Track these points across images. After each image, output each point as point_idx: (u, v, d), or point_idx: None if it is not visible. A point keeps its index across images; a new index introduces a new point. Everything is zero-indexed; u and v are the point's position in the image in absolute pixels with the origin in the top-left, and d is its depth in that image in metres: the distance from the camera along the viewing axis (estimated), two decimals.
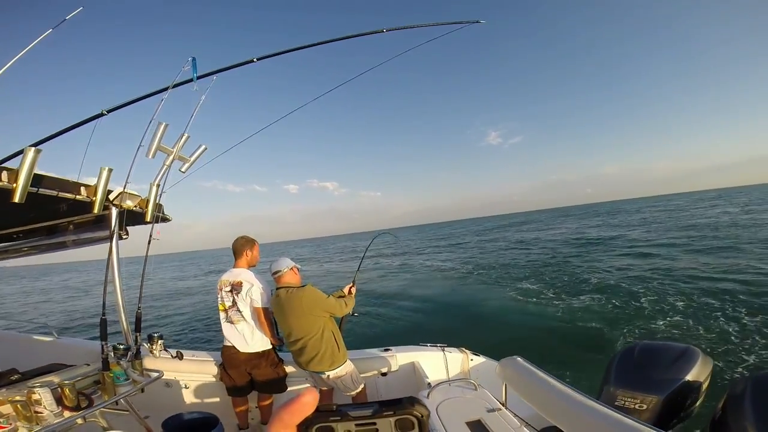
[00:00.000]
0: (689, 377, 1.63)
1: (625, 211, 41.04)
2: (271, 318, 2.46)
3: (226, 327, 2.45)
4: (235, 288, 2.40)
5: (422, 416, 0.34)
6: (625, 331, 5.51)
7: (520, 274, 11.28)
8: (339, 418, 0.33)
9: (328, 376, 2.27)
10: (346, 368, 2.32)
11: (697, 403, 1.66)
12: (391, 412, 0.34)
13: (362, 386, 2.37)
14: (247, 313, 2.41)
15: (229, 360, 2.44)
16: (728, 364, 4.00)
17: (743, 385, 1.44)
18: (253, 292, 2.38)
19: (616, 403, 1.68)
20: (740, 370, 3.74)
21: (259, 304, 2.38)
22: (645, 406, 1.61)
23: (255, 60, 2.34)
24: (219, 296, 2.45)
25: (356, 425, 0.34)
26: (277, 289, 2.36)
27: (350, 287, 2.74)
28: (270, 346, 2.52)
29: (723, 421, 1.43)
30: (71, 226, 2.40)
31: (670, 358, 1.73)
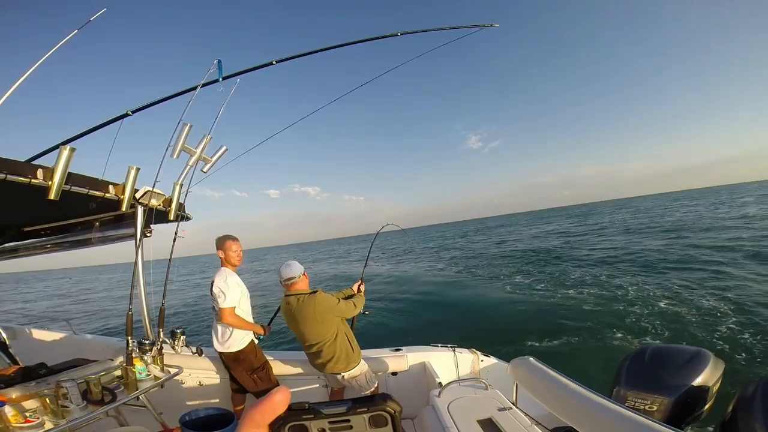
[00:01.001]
0: (700, 379, 1.63)
1: (599, 213, 43.98)
2: (237, 317, 2.38)
3: (213, 328, 2.46)
4: (212, 290, 2.37)
5: (395, 412, 0.34)
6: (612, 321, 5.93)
7: (509, 270, 12.08)
8: (312, 416, 0.35)
9: (343, 376, 2.29)
10: (361, 368, 2.35)
11: (708, 405, 1.65)
12: (365, 409, 0.34)
13: (376, 385, 2.40)
14: (218, 313, 2.37)
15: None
16: (740, 366, 3.96)
17: (754, 387, 1.44)
18: (216, 293, 2.32)
19: (627, 404, 1.67)
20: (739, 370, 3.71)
21: (221, 305, 2.29)
22: (655, 408, 1.61)
23: (274, 62, 2.41)
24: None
25: (330, 423, 0.35)
26: (287, 296, 2.32)
27: (359, 284, 2.76)
28: (244, 346, 2.43)
29: (733, 423, 1.43)
30: (97, 224, 2.47)
31: (681, 361, 1.73)
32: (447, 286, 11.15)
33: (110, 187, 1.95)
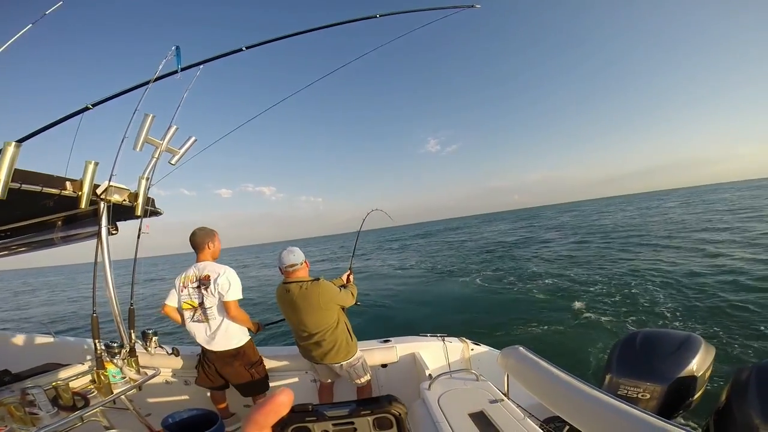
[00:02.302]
0: (692, 365, 1.63)
1: (546, 217, 48.76)
2: (242, 311, 2.35)
3: (193, 326, 2.32)
4: (203, 282, 2.26)
5: (400, 414, 0.34)
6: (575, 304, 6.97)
7: (470, 267, 13.41)
8: (315, 418, 0.35)
9: (342, 365, 2.28)
10: (358, 357, 2.35)
11: (701, 392, 1.66)
12: (369, 411, 0.34)
13: (370, 374, 2.40)
14: (215, 309, 2.28)
15: (203, 359, 2.39)
16: (729, 352, 4.19)
17: (747, 373, 1.44)
18: (222, 284, 2.23)
19: (619, 393, 1.69)
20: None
21: (229, 297, 2.24)
22: (648, 395, 1.62)
23: (244, 48, 2.28)
24: (184, 293, 2.30)
25: (333, 425, 0.36)
26: (287, 283, 2.27)
27: (348, 275, 2.75)
28: (245, 341, 2.41)
29: (728, 410, 1.44)
30: (59, 223, 2.36)
31: (672, 347, 1.73)
32: (421, 280, 12.21)
33: (67, 183, 1.85)
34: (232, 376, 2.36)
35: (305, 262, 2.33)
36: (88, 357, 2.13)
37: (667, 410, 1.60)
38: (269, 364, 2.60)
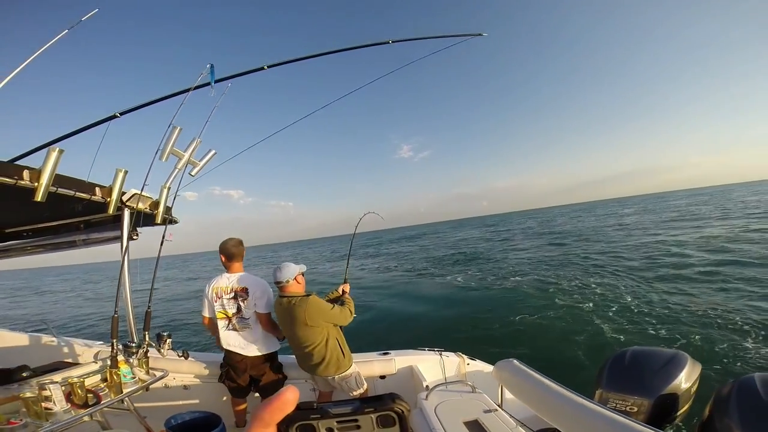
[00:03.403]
0: (678, 381, 1.72)
1: (511, 222, 52.54)
2: (274, 323, 2.54)
3: (228, 334, 2.46)
4: (240, 295, 2.41)
5: (403, 411, 0.35)
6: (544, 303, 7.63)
7: (446, 270, 14.10)
8: (319, 416, 0.33)
9: (334, 378, 2.36)
10: (352, 370, 2.42)
11: (686, 406, 1.74)
12: (372, 409, 0.33)
13: (365, 387, 2.47)
14: (253, 319, 2.45)
15: (234, 365, 2.50)
16: (715, 368, 4.33)
17: (729, 388, 1.52)
18: (259, 298, 2.40)
19: (608, 406, 1.71)
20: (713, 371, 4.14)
21: (264, 310, 2.43)
22: (636, 409, 1.69)
23: (266, 67, 2.48)
24: (218, 304, 2.44)
25: (338, 422, 0.33)
26: (281, 297, 2.38)
27: (344, 286, 2.76)
28: (277, 348, 2.60)
29: (710, 423, 1.51)
30: (82, 226, 2.50)
31: (659, 363, 1.82)
32: (402, 283, 12.60)
33: (97, 189, 1.99)
34: (264, 379, 2.50)
35: (298, 277, 2.38)
36: (99, 356, 2.22)
37: (654, 423, 1.64)
38: None
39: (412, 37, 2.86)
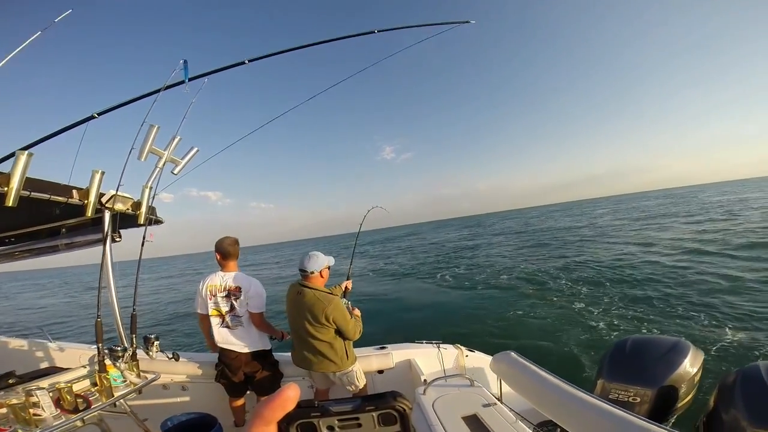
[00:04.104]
0: (680, 369, 1.68)
1: (491, 223, 54.82)
2: (266, 320, 2.56)
3: (222, 332, 2.50)
4: (233, 293, 2.44)
5: (405, 410, 0.35)
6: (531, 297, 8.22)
7: (435, 268, 14.65)
8: (320, 414, 0.33)
9: (335, 373, 2.36)
10: (353, 367, 2.43)
11: (690, 396, 1.71)
12: (374, 407, 0.33)
13: (365, 382, 2.49)
14: (246, 318, 2.47)
15: (228, 363, 2.52)
16: (716, 355, 4.44)
17: (733, 377, 1.50)
18: (251, 297, 2.43)
19: (611, 397, 1.73)
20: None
21: (257, 310, 2.45)
22: (639, 399, 1.66)
23: (246, 62, 2.42)
24: (212, 301, 2.47)
25: (338, 420, 0.33)
26: (302, 285, 2.34)
27: (346, 283, 2.78)
28: (270, 346, 2.62)
29: (716, 414, 1.49)
30: (64, 230, 2.48)
31: (661, 351, 1.78)
32: (391, 281, 13.13)
33: (74, 191, 1.97)
34: (258, 376, 2.53)
35: (323, 271, 2.35)
36: (89, 360, 2.22)
37: (658, 414, 1.65)
38: None
39: (398, 26, 2.80)
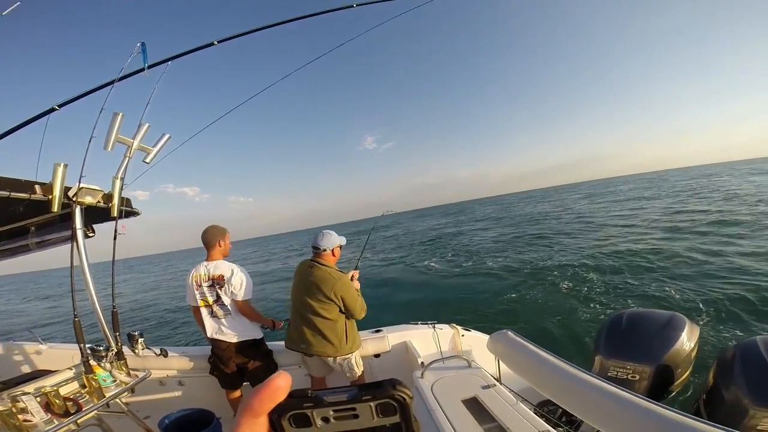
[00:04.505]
0: (678, 345, 1.65)
1: (469, 210, 55.35)
2: (254, 308, 2.52)
3: (211, 322, 2.48)
4: (217, 282, 2.41)
5: (405, 399, 0.33)
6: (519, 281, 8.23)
7: (418, 257, 14.68)
8: (313, 404, 0.32)
9: (335, 358, 2.34)
10: (352, 352, 2.39)
11: (688, 371, 1.69)
12: (371, 396, 0.33)
13: (362, 370, 2.47)
14: (233, 306, 2.44)
15: (219, 354, 2.51)
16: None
17: (732, 353, 1.49)
18: (235, 285, 2.38)
19: (609, 374, 1.72)
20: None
21: (241, 297, 2.41)
22: (637, 376, 1.65)
23: (216, 43, 2.25)
24: (198, 292, 2.45)
25: (334, 411, 0.33)
26: (315, 261, 2.37)
27: (353, 272, 2.73)
28: (261, 335, 2.59)
29: (716, 391, 1.47)
30: (33, 228, 2.36)
31: (657, 326, 1.76)
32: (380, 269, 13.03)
33: (36, 187, 1.86)
34: (251, 366, 2.52)
35: (335, 249, 2.41)
36: (76, 362, 2.18)
37: (657, 391, 1.63)
38: None
39: None
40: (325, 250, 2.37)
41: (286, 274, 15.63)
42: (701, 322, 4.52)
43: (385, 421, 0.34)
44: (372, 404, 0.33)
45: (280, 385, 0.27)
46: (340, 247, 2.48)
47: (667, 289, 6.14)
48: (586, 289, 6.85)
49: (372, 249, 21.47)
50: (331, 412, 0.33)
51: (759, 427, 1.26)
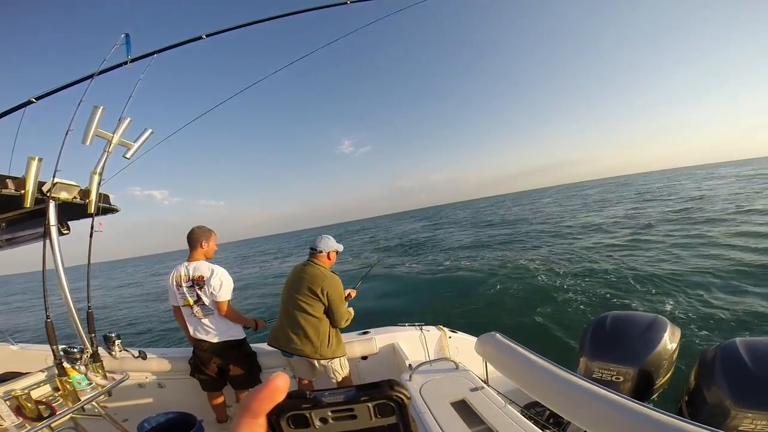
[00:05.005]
0: (660, 347, 1.71)
1: (445, 215, 56.02)
2: (235, 308, 2.52)
3: (192, 322, 2.47)
4: (197, 282, 2.40)
5: (402, 399, 0.34)
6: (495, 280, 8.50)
7: (398, 260, 15.03)
8: (312, 405, 0.33)
9: (319, 361, 2.37)
10: (336, 356, 2.41)
11: (670, 373, 1.76)
12: (368, 397, 0.33)
13: (347, 373, 2.48)
14: (214, 306, 2.43)
15: (200, 354, 2.49)
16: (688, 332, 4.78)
17: (713, 354, 1.54)
18: (214, 285, 2.37)
19: (594, 376, 1.76)
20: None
21: (221, 298, 2.40)
22: (621, 378, 1.69)
23: (204, 37, 2.22)
24: (178, 292, 2.44)
25: (332, 412, 0.33)
26: (310, 261, 2.47)
27: (351, 290, 2.75)
28: (243, 335, 2.58)
29: (698, 392, 1.52)
30: (3, 224, 2.27)
31: (640, 329, 1.81)
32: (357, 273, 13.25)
33: (8, 181, 1.79)
34: (232, 369, 2.51)
35: (331, 253, 2.51)
36: (49, 364, 2.12)
37: (640, 392, 1.69)
38: None
39: None
40: (321, 252, 2.47)
41: (259, 280, 15.90)
42: (681, 323, 4.74)
43: (383, 421, 0.34)
44: (370, 405, 0.34)
45: (279, 386, 0.27)
46: (337, 252, 2.56)
47: (631, 281, 6.76)
48: (559, 281, 7.39)
49: (350, 251, 21.82)
50: (329, 413, 0.33)
51: (741, 428, 1.30)
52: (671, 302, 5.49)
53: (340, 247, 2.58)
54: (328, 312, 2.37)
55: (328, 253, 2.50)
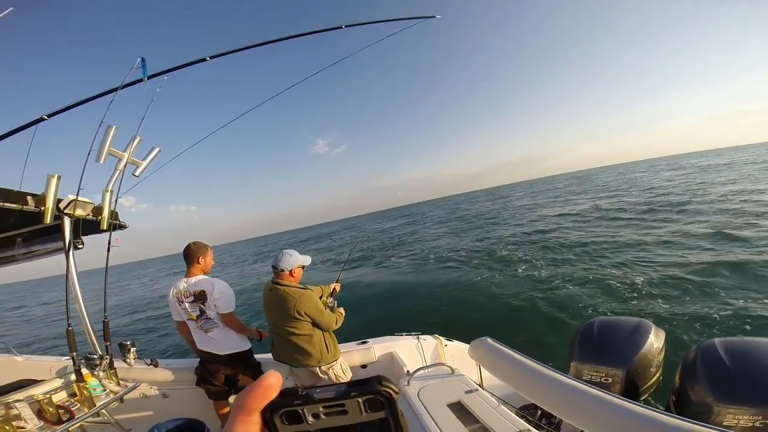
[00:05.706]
0: (645, 348, 1.83)
1: (424, 211, 58.60)
2: (239, 319, 2.61)
3: (198, 335, 2.56)
4: (199, 297, 2.47)
5: (391, 394, 0.35)
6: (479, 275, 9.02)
7: (381, 259, 15.27)
8: (303, 401, 0.34)
9: (320, 368, 2.46)
10: (336, 359, 2.52)
11: (657, 374, 1.88)
12: (358, 393, 0.35)
13: (350, 377, 2.59)
14: (218, 319, 2.52)
15: (208, 366, 2.59)
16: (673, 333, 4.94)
17: (693, 354, 1.66)
18: (217, 299, 2.45)
19: (584, 378, 1.88)
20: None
21: (225, 310, 2.47)
22: (610, 379, 1.81)
23: (208, 59, 2.39)
24: (181, 308, 2.51)
25: (323, 407, 0.34)
26: (274, 283, 2.43)
27: (335, 285, 2.86)
28: (248, 346, 2.68)
29: (683, 391, 1.63)
30: (20, 239, 2.43)
31: (626, 332, 1.93)
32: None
33: (29, 198, 1.94)
34: (240, 378, 2.60)
35: (294, 270, 2.44)
36: (61, 372, 2.25)
37: (630, 392, 1.80)
38: None
39: (366, 21, 2.81)
40: (283, 271, 2.40)
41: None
42: (666, 326, 4.94)
43: (373, 416, 0.36)
44: (360, 400, 0.35)
45: (272, 384, 0.29)
46: (302, 267, 2.52)
47: (604, 265, 7.67)
48: (536, 273, 8.09)
49: (332, 251, 22.10)
50: (321, 409, 0.35)
51: (725, 423, 1.41)
52: (654, 304, 5.64)
53: (307, 261, 2.52)
54: (315, 325, 2.43)
55: (291, 271, 2.42)
